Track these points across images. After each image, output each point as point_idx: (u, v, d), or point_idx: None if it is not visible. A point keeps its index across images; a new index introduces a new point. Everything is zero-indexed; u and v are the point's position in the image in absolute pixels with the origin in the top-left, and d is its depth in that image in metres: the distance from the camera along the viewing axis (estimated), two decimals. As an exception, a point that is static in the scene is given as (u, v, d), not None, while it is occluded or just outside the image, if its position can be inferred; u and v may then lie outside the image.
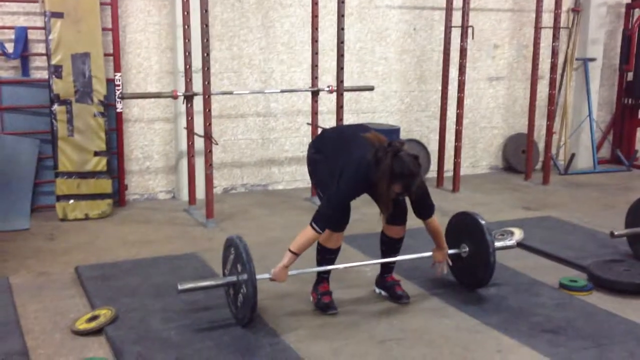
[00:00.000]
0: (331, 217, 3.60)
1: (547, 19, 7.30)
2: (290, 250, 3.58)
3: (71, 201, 5.64)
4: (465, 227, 4.06)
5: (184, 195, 6.19)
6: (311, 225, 3.55)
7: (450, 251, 4.04)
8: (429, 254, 4.03)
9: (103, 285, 4.10)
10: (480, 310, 3.83)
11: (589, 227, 5.47)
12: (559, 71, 7.73)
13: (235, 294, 3.57)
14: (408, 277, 4.25)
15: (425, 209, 3.78)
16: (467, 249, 4.02)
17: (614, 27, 8.20)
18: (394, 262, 4.02)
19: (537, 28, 7.03)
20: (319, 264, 3.83)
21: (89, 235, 5.26)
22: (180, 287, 3.51)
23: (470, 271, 4.03)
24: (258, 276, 3.44)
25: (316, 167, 3.89)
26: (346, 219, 3.71)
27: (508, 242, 4.35)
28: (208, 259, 4.60)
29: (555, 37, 7.07)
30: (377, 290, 4.08)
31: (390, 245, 3.96)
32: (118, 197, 6.07)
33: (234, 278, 3.55)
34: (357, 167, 3.53)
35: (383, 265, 4.04)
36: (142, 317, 3.67)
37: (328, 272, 3.87)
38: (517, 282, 4.25)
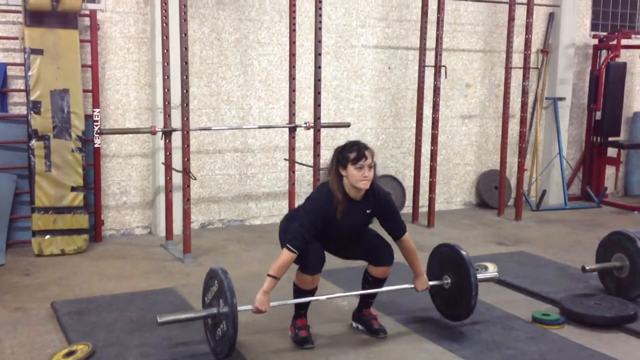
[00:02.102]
0: (302, 234, 3.62)
1: (517, 59, 7.52)
2: (269, 275, 3.61)
3: (47, 236, 5.61)
4: (447, 259, 4.10)
5: (161, 230, 6.20)
6: (286, 247, 3.62)
7: (433, 283, 4.08)
8: (410, 285, 4.07)
9: (79, 320, 4.09)
10: (455, 343, 3.88)
11: (561, 262, 5.58)
12: (530, 110, 7.93)
13: (215, 327, 3.57)
14: (385, 311, 4.29)
15: (396, 227, 3.88)
16: (449, 280, 4.05)
17: (582, 67, 8.46)
18: (373, 297, 4.06)
19: (508, 68, 7.23)
20: (296, 304, 3.87)
21: (65, 270, 5.23)
22: (160, 319, 3.52)
23: (452, 302, 4.06)
24: (240, 307, 3.44)
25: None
26: (321, 259, 3.73)
27: (489, 274, 4.42)
28: (185, 294, 4.61)
29: (526, 77, 7.27)
30: (355, 324, 4.12)
31: (374, 285, 3.99)
32: (94, 232, 6.06)
33: (214, 310, 3.54)
34: (318, 188, 3.87)
35: (362, 299, 4.08)
36: (119, 352, 3.66)
37: (305, 307, 3.91)
38: (492, 316, 4.31)
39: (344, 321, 4.19)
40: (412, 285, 4.05)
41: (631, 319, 4.14)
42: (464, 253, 4.01)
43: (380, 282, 3.98)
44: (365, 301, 4.06)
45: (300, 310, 3.90)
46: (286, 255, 3.61)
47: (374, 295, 4.05)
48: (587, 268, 4.65)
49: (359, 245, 3.93)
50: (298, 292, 3.82)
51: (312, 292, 3.83)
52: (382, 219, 3.89)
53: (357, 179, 3.64)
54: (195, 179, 5.80)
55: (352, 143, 3.73)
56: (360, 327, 4.07)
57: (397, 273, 5.09)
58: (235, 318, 3.38)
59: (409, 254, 3.97)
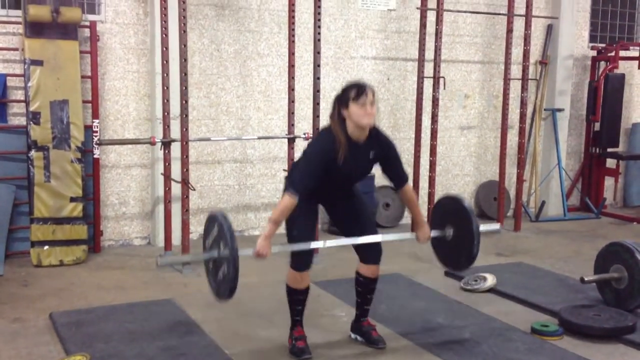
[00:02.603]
0: (302, 179, 3.61)
1: (516, 70, 7.54)
2: (270, 221, 3.59)
3: (46, 247, 5.61)
4: (449, 211, 4.06)
5: (160, 241, 6.19)
6: (286, 192, 3.60)
7: (435, 234, 4.05)
8: (412, 235, 4.06)
9: (78, 331, 4.08)
10: (454, 355, 3.88)
11: (560, 273, 5.57)
12: (528, 121, 7.94)
13: (216, 270, 3.53)
14: (384, 323, 4.28)
15: (399, 176, 3.90)
16: (451, 231, 4.02)
17: (580, 79, 8.49)
18: (368, 303, 4.02)
19: (506, 79, 7.25)
20: (290, 305, 3.88)
21: (64, 281, 5.23)
22: (160, 262, 3.52)
23: (454, 253, 4.04)
24: (241, 252, 3.40)
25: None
26: (311, 256, 3.83)
27: (492, 227, 4.40)
28: (184, 305, 4.60)
29: (524, 88, 7.29)
30: (353, 336, 4.10)
31: (365, 286, 3.99)
32: (93, 243, 6.06)
33: (215, 254, 3.49)
34: (319, 132, 3.88)
35: (359, 308, 4.06)
36: (118, 363, 3.66)
37: (301, 314, 3.88)
38: (490, 327, 4.31)
39: (343, 332, 4.18)
40: (414, 235, 4.04)
41: (630, 330, 4.14)
42: (466, 204, 3.98)
43: (371, 283, 3.97)
44: (362, 309, 4.05)
45: (296, 317, 3.89)
46: (286, 200, 3.56)
47: (368, 301, 4.03)
48: (586, 279, 4.64)
49: (353, 218, 3.91)
50: (290, 293, 3.85)
51: (304, 293, 3.85)
52: (385, 165, 3.87)
53: (360, 115, 3.60)
54: (194, 189, 5.80)
55: (352, 83, 3.73)
56: (359, 338, 4.06)
57: (397, 281, 5.10)
58: (236, 260, 3.34)
59: (410, 203, 3.99)
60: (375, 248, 3.93)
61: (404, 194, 3.96)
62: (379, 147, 3.79)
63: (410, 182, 3.94)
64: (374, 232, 3.93)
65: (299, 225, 3.78)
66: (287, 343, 3.91)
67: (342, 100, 3.66)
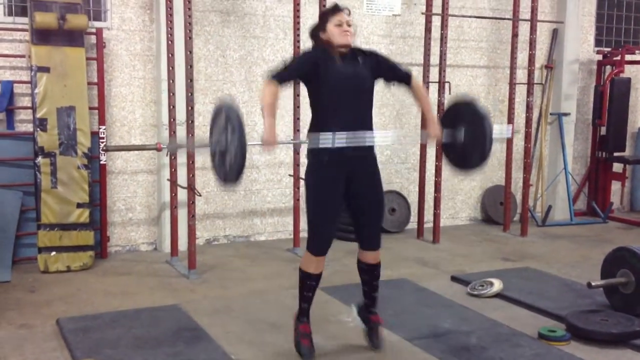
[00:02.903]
0: (286, 67, 3.65)
1: (522, 75, 7.54)
2: (264, 113, 3.61)
3: (53, 253, 5.63)
4: (462, 113, 4.02)
5: (166, 246, 6.21)
6: (265, 80, 3.63)
7: (446, 133, 4.01)
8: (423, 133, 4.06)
9: (85, 337, 4.09)
10: (461, 360, 3.87)
11: (567, 278, 5.56)
12: (534, 125, 7.94)
13: (222, 158, 3.51)
14: (390, 327, 4.26)
15: (402, 74, 3.91)
16: (463, 132, 3.96)
17: (586, 83, 8.47)
18: (375, 290, 3.97)
19: (512, 84, 7.25)
20: (301, 291, 3.83)
21: (71, 287, 5.24)
22: (166, 147, 3.48)
23: (466, 154, 3.99)
24: (248, 142, 3.39)
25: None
26: (328, 241, 3.76)
27: (504, 132, 4.35)
28: (190, 311, 4.61)
29: (530, 93, 7.29)
30: (358, 319, 4.04)
31: (369, 272, 3.95)
32: (100, 249, 6.07)
33: (222, 141, 3.47)
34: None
35: (366, 296, 4.00)
36: (124, 369, 3.66)
37: (310, 301, 3.84)
38: (497, 333, 4.30)
39: (350, 338, 4.17)
40: (425, 133, 4.04)
41: (637, 335, 4.11)
42: (479, 105, 3.94)
43: (374, 269, 3.93)
44: (370, 296, 3.99)
45: (304, 304, 3.85)
46: (266, 87, 3.59)
47: (375, 288, 3.98)
48: (593, 284, 4.63)
49: (364, 212, 3.85)
50: (303, 277, 3.81)
51: (317, 279, 3.81)
52: (382, 70, 3.85)
53: (338, 34, 3.66)
54: (200, 195, 5.81)
55: (326, 6, 3.78)
56: (363, 326, 4.02)
57: (403, 287, 5.09)
58: (243, 146, 3.32)
59: (420, 100, 4.01)
60: (375, 234, 3.91)
61: (413, 91, 3.97)
62: (364, 55, 3.80)
63: (420, 79, 3.90)
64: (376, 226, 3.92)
65: (317, 198, 3.74)
66: (293, 339, 3.89)
67: (319, 24, 3.75)
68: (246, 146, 3.35)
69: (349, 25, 3.69)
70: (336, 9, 3.72)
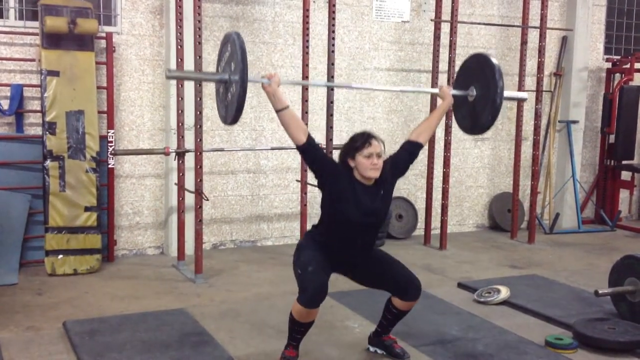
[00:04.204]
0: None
1: (530, 82, 7.53)
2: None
3: (60, 256, 5.64)
4: (476, 70, 3.99)
5: (173, 251, 6.22)
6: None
7: (456, 92, 4.00)
8: (434, 90, 4.06)
9: (91, 340, 4.10)
10: (467, 367, 3.85)
11: (574, 286, 5.53)
12: (543, 133, 7.92)
13: (225, 92, 3.48)
14: (396, 334, 4.24)
15: (409, 150, 3.87)
16: (475, 92, 3.96)
17: (595, 91, 8.45)
18: (393, 325, 3.92)
19: (521, 91, 7.23)
20: (290, 331, 3.67)
21: (78, 290, 5.25)
22: (168, 73, 3.47)
23: (476, 112, 3.98)
24: (250, 77, 3.36)
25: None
26: (319, 292, 3.51)
27: (519, 94, 4.31)
28: (197, 315, 4.61)
29: (538, 100, 7.27)
30: (372, 349, 4.04)
31: (398, 317, 3.88)
32: (107, 252, 6.09)
33: (225, 76, 3.43)
34: None
35: (381, 326, 3.96)
36: (130, 372, 3.66)
37: (299, 341, 3.72)
38: (504, 340, 4.28)
39: (356, 344, 4.16)
40: (437, 90, 4.06)
41: (645, 344, 4.10)
42: (494, 62, 3.90)
43: (403, 314, 3.87)
44: (385, 328, 3.96)
45: (292, 342, 3.71)
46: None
47: (394, 323, 3.93)
48: (600, 292, 4.61)
49: (384, 272, 3.80)
50: (293, 322, 3.61)
51: (308, 326, 3.62)
52: (402, 168, 3.85)
53: (366, 167, 3.58)
54: (208, 199, 5.82)
55: (359, 133, 3.70)
56: (379, 351, 4.01)
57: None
58: (244, 81, 3.28)
59: (430, 118, 4.03)
60: (414, 283, 3.77)
61: (423, 130, 3.93)
62: (383, 181, 3.73)
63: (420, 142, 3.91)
64: (405, 271, 3.85)
65: (310, 256, 3.66)
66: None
67: (348, 151, 3.64)
68: (247, 81, 3.32)
69: (379, 157, 3.61)
70: (367, 142, 3.60)
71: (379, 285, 3.86)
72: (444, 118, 6.91)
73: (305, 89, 6.11)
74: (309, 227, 5.56)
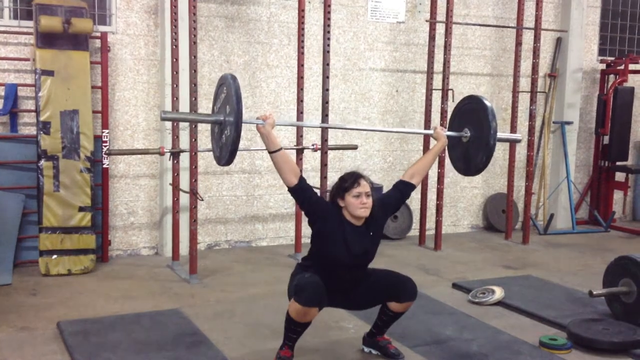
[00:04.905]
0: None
1: (525, 83, 7.55)
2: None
3: (54, 256, 5.63)
4: (470, 112, 4.03)
5: (168, 251, 6.21)
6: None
7: (451, 133, 4.04)
8: (429, 131, 4.16)
9: (85, 340, 4.08)
10: (462, 368, 3.86)
11: (569, 287, 5.55)
12: (537, 134, 7.94)
13: (220, 133, 3.50)
14: (391, 334, 4.24)
15: (401, 190, 3.89)
16: (468, 133, 4.00)
17: (589, 92, 8.48)
18: (388, 326, 3.94)
19: (515, 92, 7.25)
20: (286, 331, 3.67)
21: (72, 290, 5.24)
22: (163, 115, 3.51)
23: (468, 156, 4.04)
24: (245, 120, 3.38)
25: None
26: (318, 293, 3.53)
27: (513, 136, 4.38)
28: (191, 315, 4.60)
29: (533, 101, 7.29)
30: (367, 349, 4.04)
31: (393, 318, 3.89)
32: (101, 252, 6.07)
33: (220, 117, 3.45)
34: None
35: (376, 327, 3.98)
36: (125, 373, 3.66)
37: (295, 341, 3.72)
38: (498, 340, 4.28)
39: (351, 345, 4.16)
40: (431, 132, 4.10)
41: (639, 344, 4.10)
42: (487, 104, 3.95)
43: (399, 316, 3.89)
44: (380, 329, 3.98)
45: (287, 342, 3.71)
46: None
47: (389, 324, 3.94)
48: (595, 293, 4.62)
49: (376, 287, 3.80)
50: (289, 322, 3.61)
51: (305, 326, 3.62)
52: (393, 207, 3.91)
53: (356, 206, 3.63)
54: (202, 199, 5.82)
55: (347, 173, 3.74)
56: (373, 351, 4.02)
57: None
58: (239, 123, 3.30)
59: (422, 159, 4.05)
60: (409, 284, 3.80)
61: (417, 172, 3.94)
62: (374, 220, 3.75)
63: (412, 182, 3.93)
64: (396, 275, 3.88)
65: (306, 274, 3.68)
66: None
67: (338, 192, 3.68)
68: (241, 127, 3.33)
69: (368, 196, 3.65)
70: (355, 182, 3.65)
71: (374, 301, 3.87)
72: (438, 118, 6.94)
73: (300, 89, 6.11)
74: (304, 228, 5.58)
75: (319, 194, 3.67)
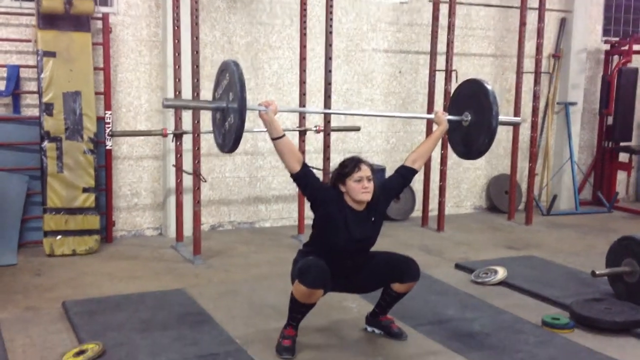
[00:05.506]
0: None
1: (529, 64, 7.52)
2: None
3: (59, 237, 5.65)
4: (470, 95, 4.01)
5: (171, 232, 6.23)
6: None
7: (452, 117, 4.03)
8: (430, 115, 4.17)
9: (90, 320, 4.11)
10: (464, 347, 3.87)
11: (571, 267, 5.56)
12: (541, 114, 7.91)
13: (223, 121, 3.49)
14: (394, 314, 4.25)
15: (403, 175, 3.90)
16: (469, 117, 3.99)
17: (593, 72, 8.44)
18: (391, 306, 3.95)
19: (519, 73, 7.22)
20: (290, 311, 3.68)
21: (76, 271, 5.27)
22: (166, 102, 3.51)
23: (470, 138, 4.01)
24: (248, 106, 3.36)
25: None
26: (322, 275, 3.54)
27: (513, 119, 4.35)
28: (195, 295, 4.63)
29: (537, 82, 7.26)
30: (370, 329, 4.06)
31: (396, 298, 3.90)
32: (105, 233, 6.10)
33: (223, 104, 3.43)
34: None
35: (379, 307, 3.99)
36: (130, 351, 3.67)
37: (298, 320, 3.73)
38: (501, 320, 4.30)
39: (354, 325, 4.18)
40: (432, 116, 4.12)
41: (641, 324, 4.13)
42: (488, 87, 3.92)
43: (402, 296, 3.90)
44: (383, 309, 3.99)
45: (292, 322, 3.73)
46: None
47: (392, 304, 3.95)
48: (597, 273, 4.63)
49: (378, 270, 3.81)
50: (293, 302, 3.63)
51: (308, 307, 3.64)
52: (396, 190, 3.91)
53: (358, 191, 3.62)
54: (206, 181, 5.83)
55: (348, 158, 3.74)
56: (376, 331, 4.04)
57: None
58: (243, 110, 3.27)
59: (426, 142, 4.04)
60: (411, 264, 3.80)
61: (419, 157, 3.94)
62: (375, 205, 3.74)
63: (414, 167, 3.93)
64: (398, 255, 3.88)
65: (309, 257, 3.68)
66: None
67: (338, 177, 3.67)
68: (245, 114, 3.30)
69: (370, 180, 3.63)
70: (356, 167, 3.63)
71: (378, 284, 3.88)
72: (441, 99, 6.92)
73: (303, 70, 6.09)
74: (306, 210, 5.57)
75: (321, 178, 3.66)
